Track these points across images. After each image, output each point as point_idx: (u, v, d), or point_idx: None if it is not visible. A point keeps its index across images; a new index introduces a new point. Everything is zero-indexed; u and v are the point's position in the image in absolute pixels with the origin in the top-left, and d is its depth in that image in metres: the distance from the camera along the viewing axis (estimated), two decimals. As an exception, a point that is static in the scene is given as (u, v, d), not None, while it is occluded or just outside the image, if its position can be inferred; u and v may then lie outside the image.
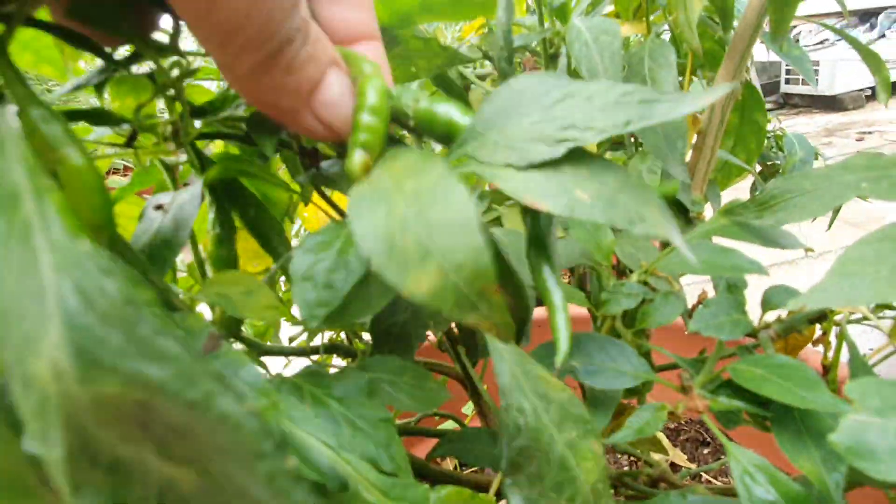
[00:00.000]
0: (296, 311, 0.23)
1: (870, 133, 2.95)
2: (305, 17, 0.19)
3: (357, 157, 0.20)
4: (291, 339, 0.48)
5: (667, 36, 0.49)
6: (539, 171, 0.17)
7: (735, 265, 0.26)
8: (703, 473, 0.69)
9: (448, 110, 0.21)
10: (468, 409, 0.73)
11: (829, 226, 0.87)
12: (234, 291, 0.23)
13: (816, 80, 3.45)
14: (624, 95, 0.17)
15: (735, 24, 0.41)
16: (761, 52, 0.49)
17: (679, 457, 0.73)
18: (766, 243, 0.29)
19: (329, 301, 0.22)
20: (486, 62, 0.53)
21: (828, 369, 0.37)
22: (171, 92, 0.30)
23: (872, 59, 0.41)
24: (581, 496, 0.22)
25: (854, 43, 0.41)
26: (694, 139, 0.45)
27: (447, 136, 0.21)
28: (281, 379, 0.23)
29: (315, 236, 0.23)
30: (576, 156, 0.17)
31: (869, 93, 3.95)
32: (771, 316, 0.30)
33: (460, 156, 0.21)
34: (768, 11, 0.31)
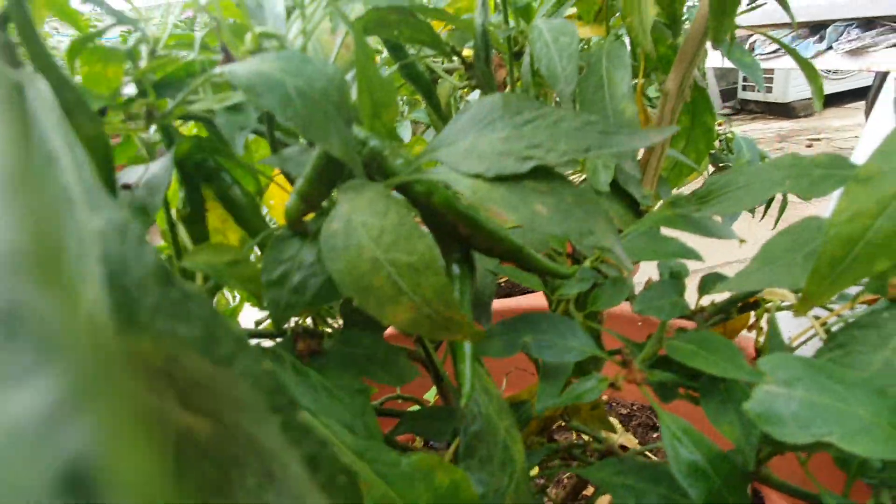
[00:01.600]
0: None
1: (818, 140, 3.10)
2: None
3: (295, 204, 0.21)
4: (258, 323, 0.49)
5: (628, 40, 0.52)
6: (504, 184, 0.19)
7: (674, 251, 0.29)
8: (649, 453, 0.73)
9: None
10: (430, 395, 0.75)
11: (775, 224, 0.93)
12: (220, 261, 0.24)
13: (770, 87, 3.58)
14: (587, 125, 0.19)
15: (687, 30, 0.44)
16: (720, 59, 0.52)
17: (630, 440, 0.77)
18: (705, 233, 0.32)
19: (298, 302, 0.23)
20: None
21: (759, 352, 0.41)
22: (142, 64, 0.31)
23: (808, 69, 0.45)
24: (518, 473, 0.26)
25: (791, 53, 0.45)
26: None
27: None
28: (261, 349, 0.25)
29: (285, 240, 0.25)
30: (538, 172, 0.19)
31: (819, 101, 4.12)
32: (707, 301, 0.33)
33: (431, 159, 0.22)
34: (709, 20, 0.34)
